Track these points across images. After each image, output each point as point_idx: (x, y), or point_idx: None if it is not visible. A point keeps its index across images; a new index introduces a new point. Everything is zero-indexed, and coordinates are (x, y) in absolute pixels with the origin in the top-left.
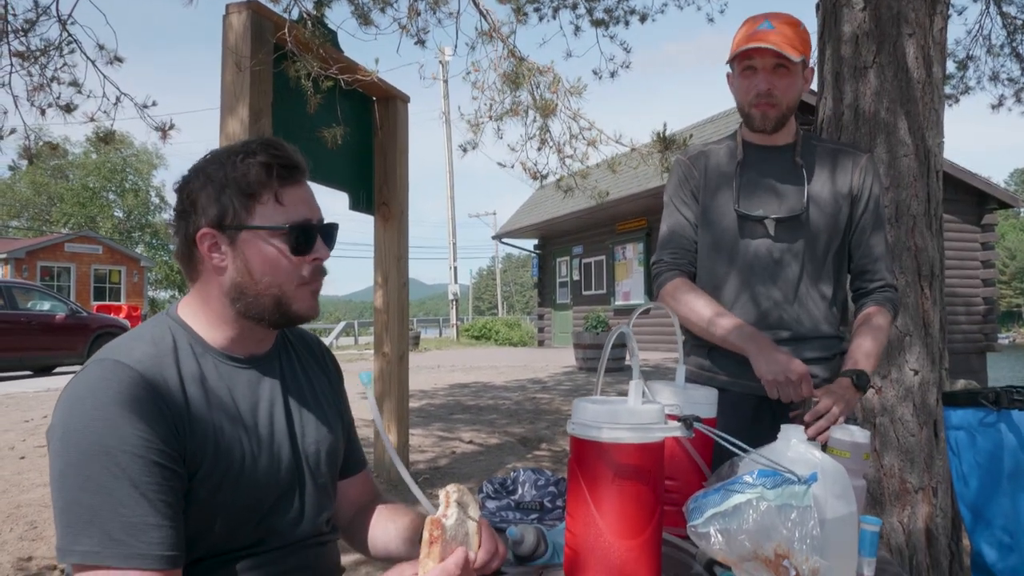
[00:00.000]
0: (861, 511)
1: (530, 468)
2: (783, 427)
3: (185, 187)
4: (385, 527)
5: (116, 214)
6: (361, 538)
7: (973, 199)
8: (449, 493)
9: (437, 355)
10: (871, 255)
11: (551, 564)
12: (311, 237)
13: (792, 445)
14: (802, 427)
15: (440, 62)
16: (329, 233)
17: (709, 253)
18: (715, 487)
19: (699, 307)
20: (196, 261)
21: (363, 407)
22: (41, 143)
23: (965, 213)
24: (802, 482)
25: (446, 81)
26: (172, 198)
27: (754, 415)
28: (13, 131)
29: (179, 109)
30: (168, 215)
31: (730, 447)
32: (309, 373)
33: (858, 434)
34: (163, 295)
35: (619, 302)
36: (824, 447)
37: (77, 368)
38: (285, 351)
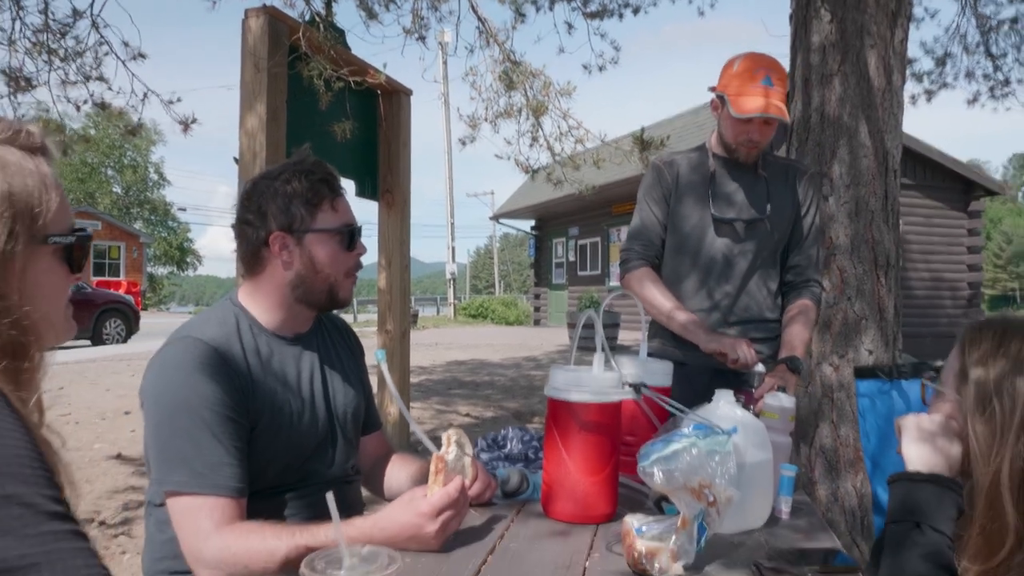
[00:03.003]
0: (785, 460)
1: (517, 427)
2: (716, 392)
3: (253, 200)
4: (398, 474)
5: (114, 190)
6: (378, 484)
7: (960, 186)
8: (450, 436)
9: (435, 333)
10: (806, 255)
11: (531, 499)
12: (355, 236)
13: (720, 406)
14: (731, 392)
15: (440, 43)
16: (360, 233)
17: (674, 252)
18: (661, 438)
19: (661, 300)
20: (263, 259)
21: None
22: (76, 137)
23: (952, 200)
24: (724, 433)
25: (445, 62)
26: (172, 175)
27: (707, 386)
28: (58, 126)
29: (179, 86)
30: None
31: (671, 408)
32: (338, 349)
33: (785, 400)
34: (161, 271)
35: (613, 283)
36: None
37: (83, 343)
38: (320, 331)
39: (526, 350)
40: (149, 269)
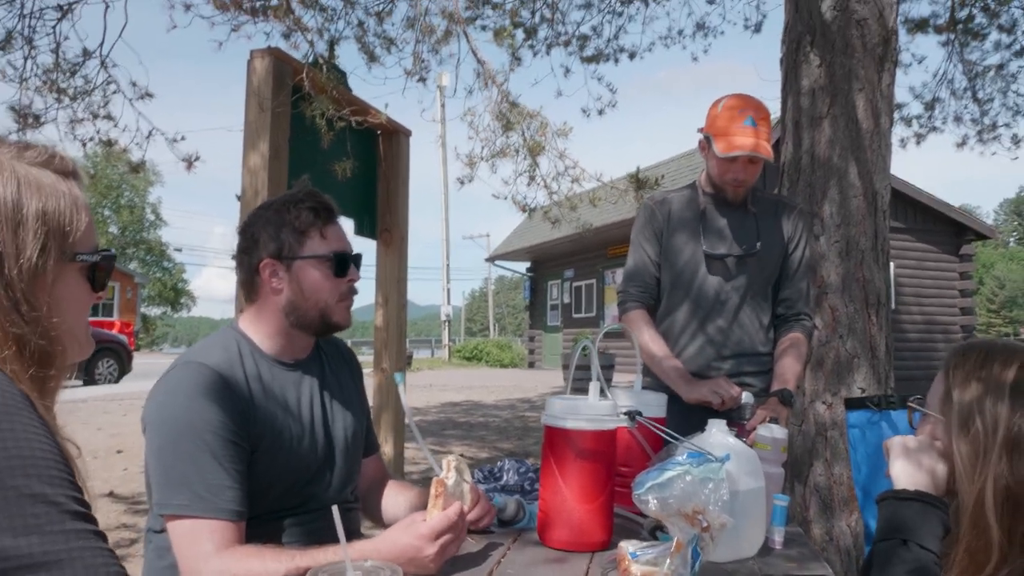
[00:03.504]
0: (778, 491)
1: (514, 459)
2: (709, 421)
3: (248, 229)
4: (396, 499)
5: (111, 230)
6: (375, 508)
7: (952, 230)
8: (450, 461)
9: (429, 375)
10: (796, 288)
11: (528, 527)
12: (347, 263)
13: (713, 434)
14: (724, 421)
15: (438, 86)
16: (358, 261)
17: (668, 288)
18: (656, 467)
19: (651, 347)
20: (257, 286)
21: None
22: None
23: (944, 244)
24: (718, 460)
25: (443, 105)
26: (169, 216)
27: (701, 419)
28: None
29: (180, 123)
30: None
31: (665, 436)
32: (338, 374)
33: (777, 431)
34: (155, 311)
35: (608, 324)
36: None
37: (75, 382)
38: (319, 357)
39: (520, 392)
40: (143, 309)
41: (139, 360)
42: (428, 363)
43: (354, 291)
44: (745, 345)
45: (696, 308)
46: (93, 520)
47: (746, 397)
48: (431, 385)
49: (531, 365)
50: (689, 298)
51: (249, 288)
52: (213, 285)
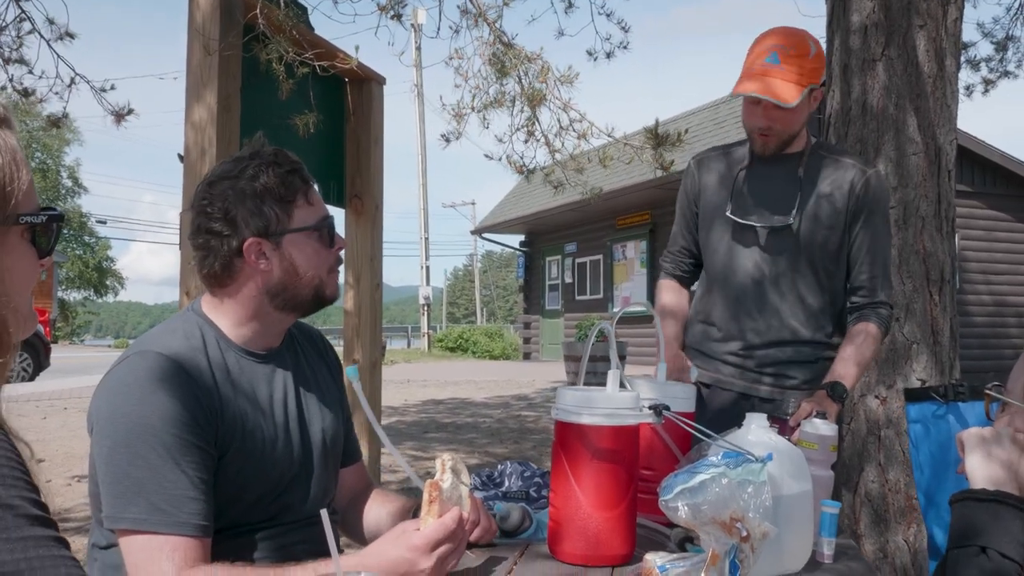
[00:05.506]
0: (826, 496)
1: (516, 461)
2: (747, 415)
3: (215, 205)
4: (378, 511)
5: None
6: (356, 525)
7: None
8: (444, 461)
9: (406, 368)
10: (866, 271)
11: (536, 539)
12: (333, 230)
13: (752, 430)
14: (764, 416)
15: (413, 25)
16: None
17: (705, 258)
18: (685, 469)
19: (660, 316)
20: (235, 270)
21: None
22: None
23: (1018, 211)
24: (758, 461)
25: (419, 47)
26: (89, 182)
27: (731, 409)
28: None
29: (108, 75)
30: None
31: (696, 433)
32: (313, 367)
33: (824, 427)
34: (75, 296)
35: (619, 308)
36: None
37: None
38: (292, 346)
39: (515, 387)
40: (60, 293)
41: (57, 354)
42: (404, 355)
43: (341, 260)
44: (784, 331)
45: (724, 286)
46: (54, 525)
47: (693, 372)
48: (409, 380)
49: (526, 356)
50: (718, 275)
51: (224, 274)
52: (144, 263)
